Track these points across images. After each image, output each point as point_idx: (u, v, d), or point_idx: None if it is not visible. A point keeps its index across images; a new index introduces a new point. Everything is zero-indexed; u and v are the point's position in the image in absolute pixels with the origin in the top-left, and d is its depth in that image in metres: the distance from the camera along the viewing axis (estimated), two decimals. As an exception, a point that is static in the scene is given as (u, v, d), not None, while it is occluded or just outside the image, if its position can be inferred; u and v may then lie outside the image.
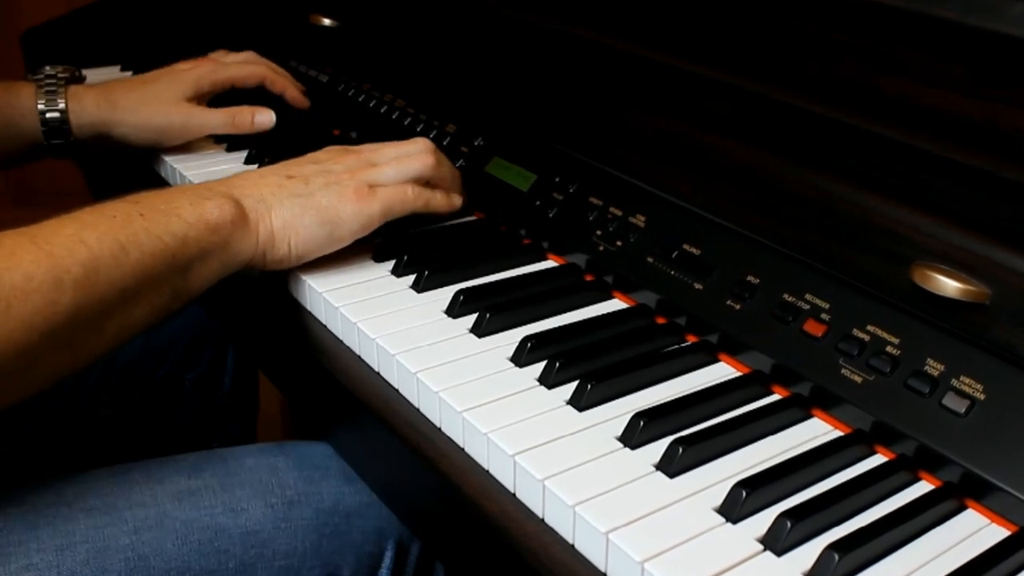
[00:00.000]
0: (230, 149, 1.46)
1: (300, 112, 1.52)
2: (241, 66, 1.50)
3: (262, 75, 1.50)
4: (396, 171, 1.11)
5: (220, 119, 1.42)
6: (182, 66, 1.46)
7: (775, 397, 0.89)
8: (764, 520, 0.73)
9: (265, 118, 1.43)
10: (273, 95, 1.51)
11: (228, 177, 1.08)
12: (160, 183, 1.44)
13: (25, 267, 0.84)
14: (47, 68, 1.42)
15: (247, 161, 1.41)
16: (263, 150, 1.40)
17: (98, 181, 1.81)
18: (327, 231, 1.05)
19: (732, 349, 0.94)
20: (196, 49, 1.56)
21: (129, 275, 0.91)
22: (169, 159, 1.41)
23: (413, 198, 1.10)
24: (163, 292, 0.96)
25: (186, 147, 1.45)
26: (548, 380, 0.89)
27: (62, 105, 1.36)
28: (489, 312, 0.97)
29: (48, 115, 1.36)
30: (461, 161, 1.25)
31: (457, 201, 1.17)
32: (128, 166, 1.50)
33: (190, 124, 1.41)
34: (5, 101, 1.36)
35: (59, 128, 1.37)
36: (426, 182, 1.14)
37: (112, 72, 1.81)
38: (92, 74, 1.64)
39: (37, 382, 0.88)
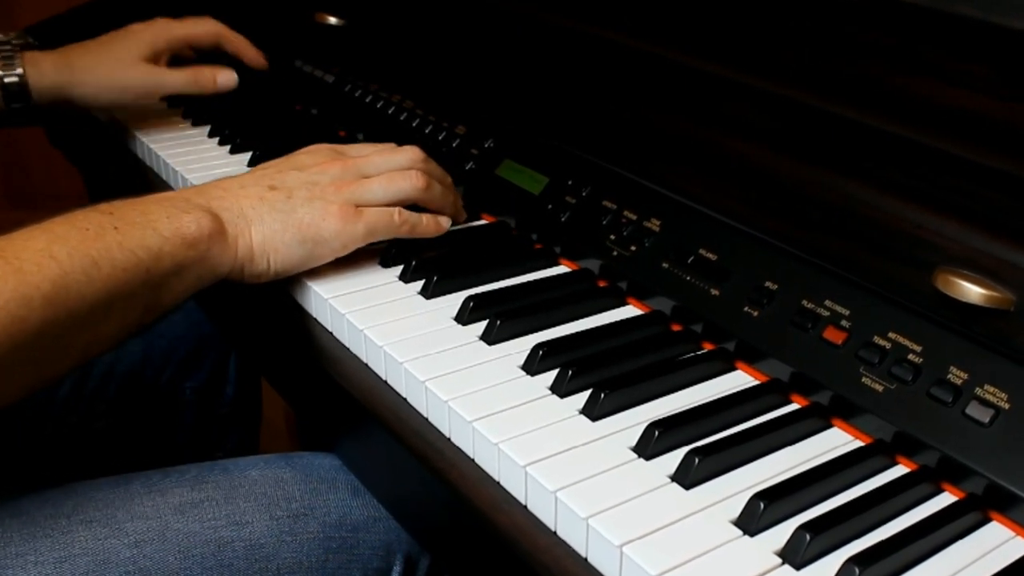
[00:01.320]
0: (196, 123, 1.53)
1: (305, 110, 1.54)
2: (196, 23, 1.53)
3: (217, 32, 1.54)
4: (384, 190, 1.09)
5: (182, 78, 1.46)
6: (137, 26, 1.50)
7: (794, 406, 0.89)
8: (783, 533, 0.73)
9: (227, 77, 1.48)
10: (231, 59, 1.56)
11: (206, 185, 1.07)
12: (134, 161, 1.49)
13: None
14: None
15: (220, 142, 1.47)
16: (238, 134, 1.46)
17: (96, 183, 1.82)
18: (307, 249, 1.05)
19: (750, 357, 0.94)
20: (198, 48, 1.57)
21: (101, 290, 0.91)
22: (144, 138, 1.46)
23: (399, 223, 1.09)
24: (135, 307, 0.95)
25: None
26: (560, 389, 0.89)
27: (20, 70, 1.39)
28: (500, 319, 0.97)
29: (7, 80, 1.38)
30: (471, 163, 1.26)
31: (445, 224, 1.14)
32: (118, 159, 1.52)
33: (150, 82, 1.45)
34: None
35: (18, 93, 1.39)
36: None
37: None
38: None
39: (1, 398, 0.87)
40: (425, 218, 1.12)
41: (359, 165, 1.11)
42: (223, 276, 1.03)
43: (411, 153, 1.15)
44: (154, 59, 1.46)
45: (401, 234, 1.10)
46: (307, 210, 1.04)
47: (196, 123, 1.55)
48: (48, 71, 1.41)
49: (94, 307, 0.90)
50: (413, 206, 1.12)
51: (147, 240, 0.95)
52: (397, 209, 1.09)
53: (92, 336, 0.92)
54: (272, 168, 1.10)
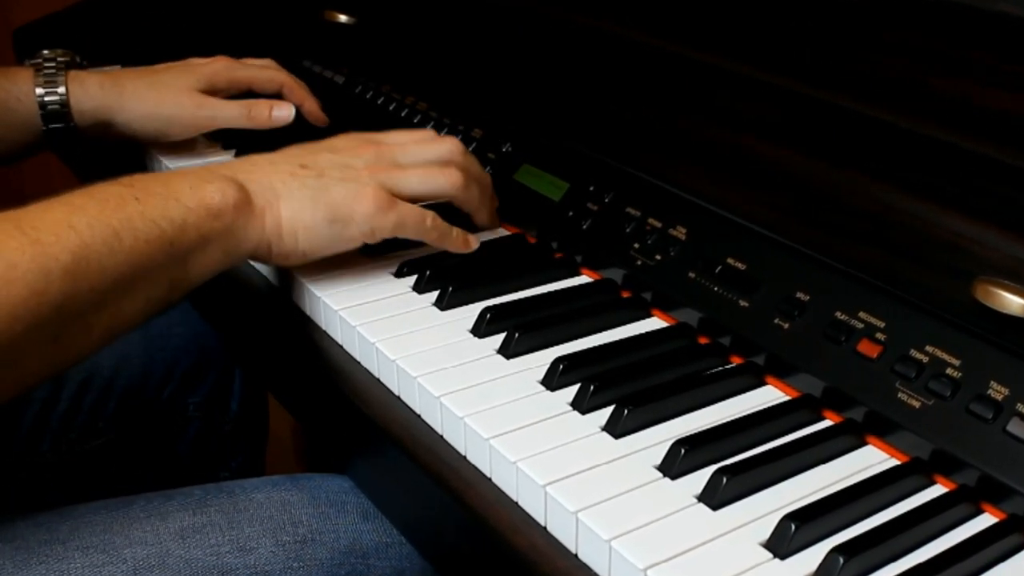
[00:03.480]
0: (227, 147, 1.48)
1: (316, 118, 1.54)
2: (261, 69, 1.49)
3: (281, 81, 1.49)
4: (421, 182, 1.09)
5: (234, 111, 1.41)
6: (198, 60, 1.47)
7: (826, 423, 0.89)
8: (815, 556, 0.73)
9: (284, 113, 1.43)
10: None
11: (234, 161, 1.08)
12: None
13: (8, 255, 0.83)
14: (45, 52, 1.44)
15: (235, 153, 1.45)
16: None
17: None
18: (336, 231, 1.04)
19: (780, 371, 0.94)
20: (202, 48, 1.57)
21: (123, 263, 0.90)
22: (165, 159, 1.43)
23: (429, 228, 1.09)
24: (160, 282, 0.95)
25: (183, 147, 1.47)
26: (582, 405, 0.89)
27: (62, 90, 1.37)
28: (518, 331, 0.97)
29: (48, 99, 1.36)
30: (488, 168, 1.25)
31: (474, 244, 1.14)
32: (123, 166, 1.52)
33: (200, 114, 1.41)
34: (1, 86, 1.37)
35: (59, 113, 1.37)
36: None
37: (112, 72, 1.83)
38: (90, 74, 1.65)
39: (21, 380, 0.88)
40: (456, 232, 1.12)
41: (395, 152, 1.11)
42: (250, 252, 1.02)
43: (450, 144, 1.14)
44: (210, 94, 1.43)
45: (429, 240, 1.10)
46: (340, 189, 1.04)
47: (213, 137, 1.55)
48: (93, 90, 1.38)
49: (116, 280, 0.90)
50: (447, 208, 1.12)
51: (169, 211, 0.95)
52: (432, 213, 1.09)
53: (115, 312, 0.92)
54: (304, 149, 1.10)
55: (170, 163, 1.42)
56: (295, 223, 1.03)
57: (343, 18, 1.63)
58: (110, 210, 0.91)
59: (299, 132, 1.40)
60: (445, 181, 1.11)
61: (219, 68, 1.45)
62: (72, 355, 0.91)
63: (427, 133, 1.16)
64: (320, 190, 1.04)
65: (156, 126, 1.41)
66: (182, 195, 0.96)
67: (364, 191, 1.04)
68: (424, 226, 1.08)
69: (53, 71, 1.38)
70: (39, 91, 1.37)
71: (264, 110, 1.42)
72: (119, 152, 1.49)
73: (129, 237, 0.91)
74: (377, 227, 1.05)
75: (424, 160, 1.12)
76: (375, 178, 1.06)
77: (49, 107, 1.36)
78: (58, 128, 1.38)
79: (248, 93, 1.47)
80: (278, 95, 1.49)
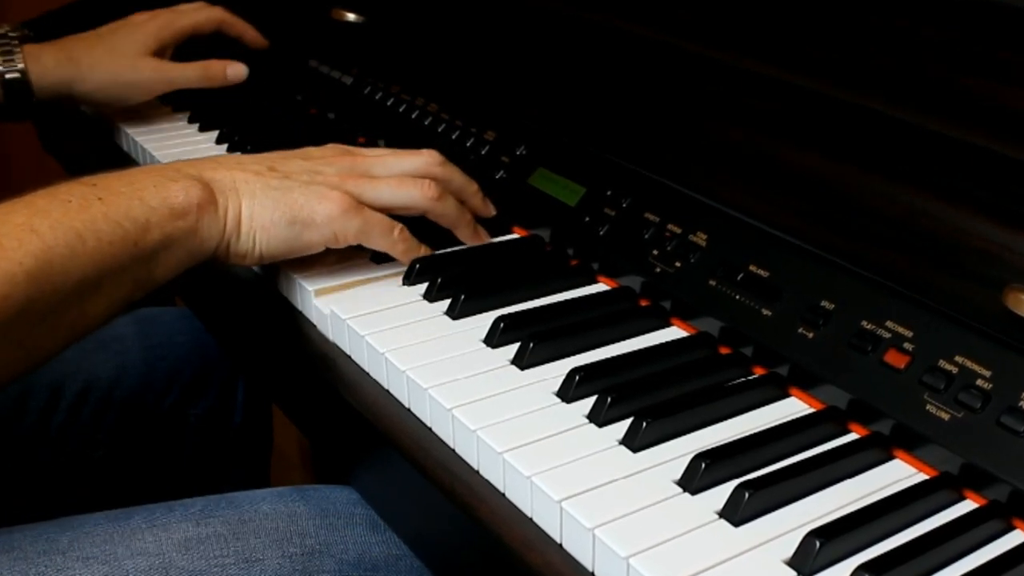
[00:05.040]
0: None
1: (321, 114, 1.55)
2: (198, 11, 1.59)
3: (219, 18, 1.60)
4: (391, 193, 1.10)
5: (192, 72, 1.52)
6: (139, 17, 1.55)
7: (852, 436, 0.89)
8: (840, 574, 0.73)
9: (237, 70, 1.55)
10: (232, 42, 1.63)
11: (201, 158, 1.09)
12: (123, 158, 1.52)
13: None
14: None
15: (229, 149, 1.49)
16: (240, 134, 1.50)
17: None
18: (295, 232, 1.05)
19: (804, 382, 0.94)
20: (205, 47, 1.59)
21: (87, 265, 0.92)
22: (130, 130, 1.50)
23: (396, 239, 1.10)
24: (124, 283, 0.97)
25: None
26: (599, 417, 0.89)
27: (21, 65, 1.43)
28: (533, 341, 0.97)
29: (8, 76, 1.42)
30: (501, 172, 1.26)
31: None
32: (97, 146, 1.56)
33: (159, 78, 1.50)
34: None
35: (20, 90, 1.43)
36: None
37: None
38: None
39: None
40: (424, 249, 1.13)
41: (369, 163, 1.13)
42: (212, 251, 1.04)
43: (426, 156, 1.15)
44: (160, 53, 1.52)
45: (395, 253, 1.11)
46: (303, 192, 1.06)
47: (203, 128, 1.57)
48: (51, 66, 1.45)
49: (80, 283, 0.92)
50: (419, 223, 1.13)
51: (133, 211, 0.96)
52: (401, 226, 1.10)
53: (80, 314, 0.94)
54: (276, 154, 1.12)
55: (136, 136, 1.50)
56: (253, 222, 1.04)
57: (351, 16, 1.63)
58: (73, 212, 0.93)
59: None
60: (418, 192, 1.11)
61: (163, 23, 1.54)
62: (36, 358, 0.93)
63: (405, 151, 1.17)
64: (283, 191, 1.05)
65: (116, 93, 1.51)
66: (146, 194, 0.98)
67: (328, 194, 1.06)
68: (391, 236, 1.09)
69: (8, 47, 1.44)
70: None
71: (219, 69, 1.54)
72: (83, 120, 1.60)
73: (93, 239, 0.93)
74: (340, 231, 1.06)
75: (399, 171, 1.13)
76: (343, 185, 1.08)
77: (10, 84, 1.43)
78: (21, 103, 1.45)
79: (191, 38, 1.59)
80: (218, 32, 1.61)
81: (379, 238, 1.09)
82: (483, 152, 1.31)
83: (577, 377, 0.92)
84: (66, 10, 1.91)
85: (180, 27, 1.56)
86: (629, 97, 1.21)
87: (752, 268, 1.00)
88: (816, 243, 0.97)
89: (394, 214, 1.11)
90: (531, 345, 0.97)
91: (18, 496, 1.43)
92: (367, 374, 1.02)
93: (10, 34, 1.47)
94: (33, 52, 1.45)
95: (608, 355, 0.99)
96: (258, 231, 1.04)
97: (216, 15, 1.61)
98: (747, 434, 0.88)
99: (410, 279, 1.11)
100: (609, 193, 1.15)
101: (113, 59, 1.48)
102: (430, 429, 0.93)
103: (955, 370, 0.84)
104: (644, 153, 1.15)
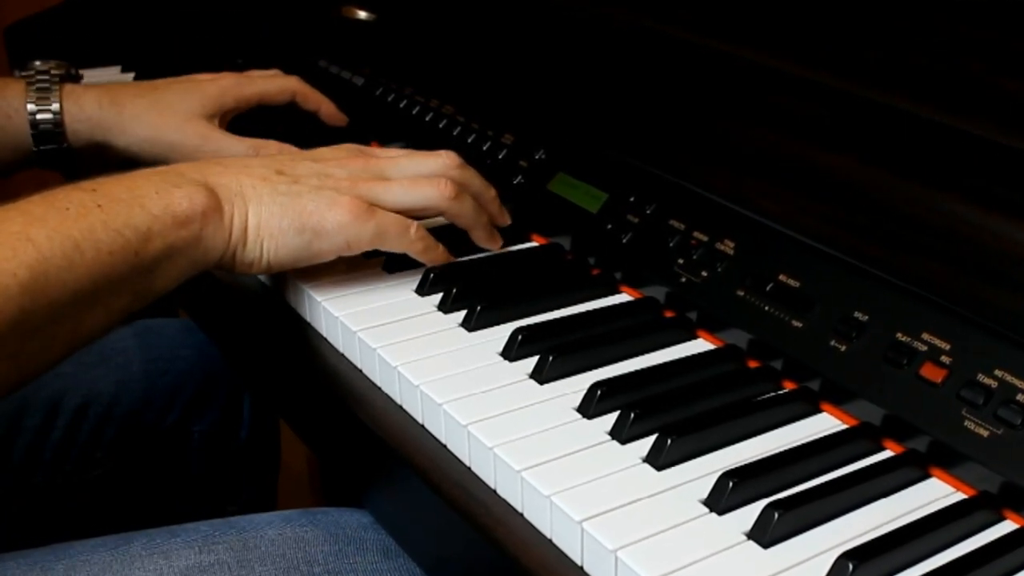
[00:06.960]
0: None
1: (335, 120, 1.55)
2: (270, 80, 1.50)
3: (293, 90, 1.50)
4: (405, 193, 1.10)
5: (240, 149, 1.41)
6: (202, 77, 1.47)
7: (887, 454, 0.89)
8: (874, 598, 0.74)
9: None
10: (305, 113, 1.53)
11: (206, 160, 1.09)
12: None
13: None
14: (37, 63, 1.43)
15: None
16: None
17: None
18: (305, 240, 1.05)
19: (836, 397, 0.94)
20: (208, 47, 1.58)
21: (84, 277, 0.92)
22: None
23: (413, 239, 1.09)
24: (123, 294, 0.96)
25: None
26: (621, 434, 0.89)
27: (56, 106, 1.37)
28: (553, 354, 0.97)
29: (39, 116, 1.37)
30: (520, 177, 1.26)
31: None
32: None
33: (205, 148, 1.40)
34: None
35: (51, 132, 1.37)
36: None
37: (111, 74, 1.83)
38: (89, 75, 1.66)
39: None
40: (442, 248, 1.13)
41: (382, 165, 1.12)
42: (216, 261, 1.03)
43: (444, 158, 1.15)
44: (215, 117, 1.43)
45: (413, 252, 1.11)
46: (313, 198, 1.05)
47: None
48: (89, 108, 1.38)
49: (77, 294, 0.92)
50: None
51: (134, 219, 0.96)
52: (417, 224, 1.10)
53: (76, 326, 0.94)
54: (285, 155, 1.12)
55: None
56: (261, 230, 1.04)
57: (362, 15, 1.63)
58: (71, 220, 0.92)
59: (321, 136, 1.42)
60: (433, 191, 1.11)
61: (226, 86, 1.46)
62: (30, 371, 0.93)
63: (421, 152, 1.17)
64: (291, 196, 1.05)
65: (156, 152, 1.40)
66: (148, 201, 0.98)
67: (339, 200, 1.05)
68: (407, 236, 1.09)
69: (46, 84, 1.38)
70: (31, 107, 1.37)
71: (272, 152, 1.41)
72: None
73: (91, 249, 0.92)
74: (353, 239, 1.06)
75: (414, 173, 1.13)
76: (354, 188, 1.07)
77: (41, 126, 1.37)
78: (50, 149, 1.39)
79: (259, 106, 1.49)
80: (292, 105, 1.51)
81: (395, 240, 1.08)
82: (500, 156, 1.31)
83: (599, 392, 0.93)
84: (64, 8, 1.92)
85: (245, 95, 1.47)
86: (654, 98, 1.21)
87: (782, 278, 1.00)
88: (849, 251, 0.97)
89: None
90: (550, 358, 0.97)
91: (10, 520, 1.43)
92: (379, 388, 1.02)
93: (53, 72, 1.42)
94: (73, 92, 1.39)
95: (631, 369, 0.99)
96: (266, 239, 1.04)
97: (290, 86, 1.51)
98: (777, 451, 0.88)
99: (424, 289, 1.11)
100: (632, 199, 1.15)
101: (159, 114, 1.40)
102: (445, 446, 0.93)
103: (995, 384, 0.84)
104: (669, 157, 1.15)
